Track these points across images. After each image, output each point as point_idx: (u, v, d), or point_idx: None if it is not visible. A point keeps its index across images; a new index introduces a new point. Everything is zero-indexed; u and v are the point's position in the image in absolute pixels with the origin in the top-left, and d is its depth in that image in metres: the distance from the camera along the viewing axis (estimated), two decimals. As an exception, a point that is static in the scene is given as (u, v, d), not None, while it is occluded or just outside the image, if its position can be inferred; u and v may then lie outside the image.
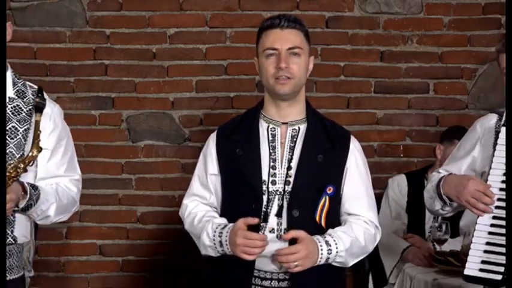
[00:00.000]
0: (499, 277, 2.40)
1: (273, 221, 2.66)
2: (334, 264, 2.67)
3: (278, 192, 2.68)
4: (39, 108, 2.54)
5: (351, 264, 2.72)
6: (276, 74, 2.67)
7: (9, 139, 2.60)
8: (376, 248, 3.94)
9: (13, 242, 2.63)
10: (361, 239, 2.68)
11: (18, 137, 2.62)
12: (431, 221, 3.91)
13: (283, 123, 2.75)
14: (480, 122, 2.73)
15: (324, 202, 2.67)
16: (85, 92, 4.28)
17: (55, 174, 2.70)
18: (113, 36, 4.28)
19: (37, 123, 2.53)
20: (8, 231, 2.60)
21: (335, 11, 4.33)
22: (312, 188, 2.67)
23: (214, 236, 2.66)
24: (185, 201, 2.86)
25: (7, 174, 2.49)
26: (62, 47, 4.27)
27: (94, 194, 4.28)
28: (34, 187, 2.59)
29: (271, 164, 2.70)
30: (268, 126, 2.76)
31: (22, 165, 2.52)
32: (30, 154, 2.53)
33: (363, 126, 4.36)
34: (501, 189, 2.47)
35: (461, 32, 4.35)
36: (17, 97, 2.65)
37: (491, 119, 2.68)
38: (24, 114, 2.64)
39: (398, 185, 4.04)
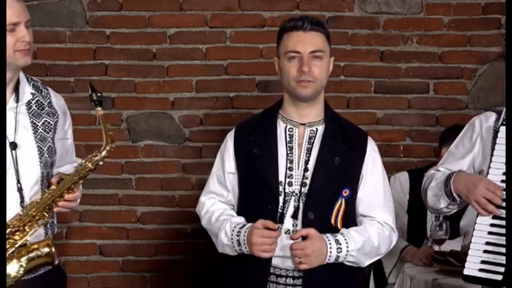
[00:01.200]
0: (499, 277, 2.39)
1: (288, 222, 2.68)
2: (346, 263, 2.68)
3: (294, 194, 2.69)
4: (101, 103, 2.62)
5: (366, 264, 2.74)
6: (298, 78, 2.68)
7: (45, 133, 2.67)
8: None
9: (57, 232, 2.75)
10: (375, 240, 2.71)
11: (52, 131, 2.70)
12: (432, 220, 3.90)
13: (301, 124, 2.76)
14: (479, 119, 2.70)
15: (340, 205, 2.69)
16: (85, 92, 4.23)
17: (71, 161, 2.80)
18: (113, 36, 4.28)
19: (102, 116, 2.62)
20: (54, 222, 2.71)
21: (335, 11, 4.33)
22: (328, 190, 2.69)
23: (232, 235, 2.68)
24: (202, 198, 2.87)
25: (90, 168, 2.60)
26: (62, 47, 4.27)
27: (94, 194, 4.28)
28: None
29: (288, 165, 2.71)
30: (286, 126, 2.76)
31: (100, 158, 2.63)
32: (108, 148, 2.62)
33: (363, 126, 4.31)
34: (505, 189, 2.46)
35: (461, 32, 4.35)
36: (36, 92, 2.71)
37: (490, 117, 2.66)
38: (47, 107, 2.71)
39: (400, 183, 4.03)
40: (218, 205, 2.81)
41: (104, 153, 2.62)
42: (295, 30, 2.69)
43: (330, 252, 2.61)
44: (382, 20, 4.35)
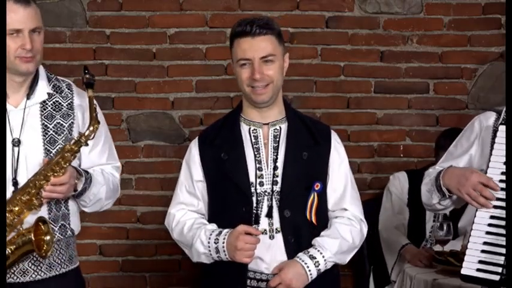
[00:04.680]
0: (496, 277, 2.37)
1: (264, 222, 2.67)
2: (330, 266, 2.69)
3: (266, 193, 2.68)
4: (90, 84, 2.57)
5: (347, 260, 2.75)
6: (251, 83, 2.66)
7: (56, 136, 2.64)
8: (378, 247, 3.96)
9: (72, 234, 2.70)
10: (349, 238, 2.70)
11: (65, 133, 2.66)
12: (431, 221, 3.91)
13: (265, 124, 2.75)
14: (478, 119, 2.69)
15: (313, 199, 2.69)
16: (85, 92, 4.28)
17: (98, 163, 2.75)
18: (113, 36, 4.29)
19: (90, 98, 2.56)
20: (66, 224, 2.67)
21: (335, 11, 4.33)
22: (300, 186, 2.69)
23: (209, 242, 2.66)
24: (172, 210, 2.83)
25: (70, 148, 2.53)
26: (62, 47, 4.28)
27: (94, 194, 4.28)
28: (85, 171, 2.64)
29: (257, 165, 2.70)
30: (250, 128, 2.75)
31: (84, 139, 2.55)
32: (91, 128, 2.55)
33: (363, 126, 4.37)
34: (505, 189, 2.46)
35: (461, 32, 4.35)
36: (55, 92, 2.68)
37: (490, 116, 2.65)
38: (65, 108, 2.68)
39: (400, 182, 4.05)
40: (189, 215, 2.78)
41: (87, 133, 2.55)
42: (244, 36, 2.66)
43: (309, 269, 2.62)
44: (382, 20, 4.35)
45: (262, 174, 2.70)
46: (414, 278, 3.50)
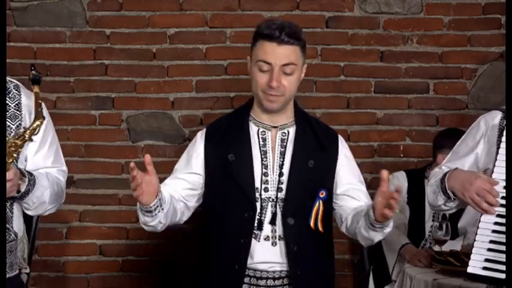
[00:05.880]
0: (502, 276, 2.36)
1: (267, 228, 2.67)
2: (381, 235, 2.61)
3: (271, 200, 2.67)
4: (36, 81, 2.51)
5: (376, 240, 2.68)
6: (266, 90, 2.64)
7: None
8: (379, 246, 3.97)
9: (15, 238, 2.61)
10: None
11: (12, 134, 2.56)
12: (431, 220, 3.91)
13: (274, 126, 2.74)
14: (484, 118, 2.68)
15: (318, 207, 2.67)
16: (85, 92, 4.29)
17: (43, 166, 2.67)
18: (113, 36, 4.29)
19: (36, 94, 2.50)
20: (9, 227, 2.58)
21: (335, 11, 4.33)
22: (304, 194, 2.68)
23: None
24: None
25: (14, 143, 2.46)
26: (62, 47, 4.28)
27: (94, 194, 4.29)
28: (29, 172, 2.56)
29: (264, 170, 2.69)
30: (259, 129, 2.74)
31: (28, 135, 2.49)
32: (36, 123, 2.49)
33: (363, 126, 4.36)
34: (505, 187, 2.45)
35: (461, 32, 4.35)
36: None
37: (496, 115, 2.63)
38: (12, 109, 2.60)
39: (399, 182, 4.04)
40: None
41: (32, 127, 2.48)
42: (270, 40, 2.60)
43: None
44: (382, 20, 4.35)
45: (267, 180, 2.69)
46: (414, 278, 3.50)
